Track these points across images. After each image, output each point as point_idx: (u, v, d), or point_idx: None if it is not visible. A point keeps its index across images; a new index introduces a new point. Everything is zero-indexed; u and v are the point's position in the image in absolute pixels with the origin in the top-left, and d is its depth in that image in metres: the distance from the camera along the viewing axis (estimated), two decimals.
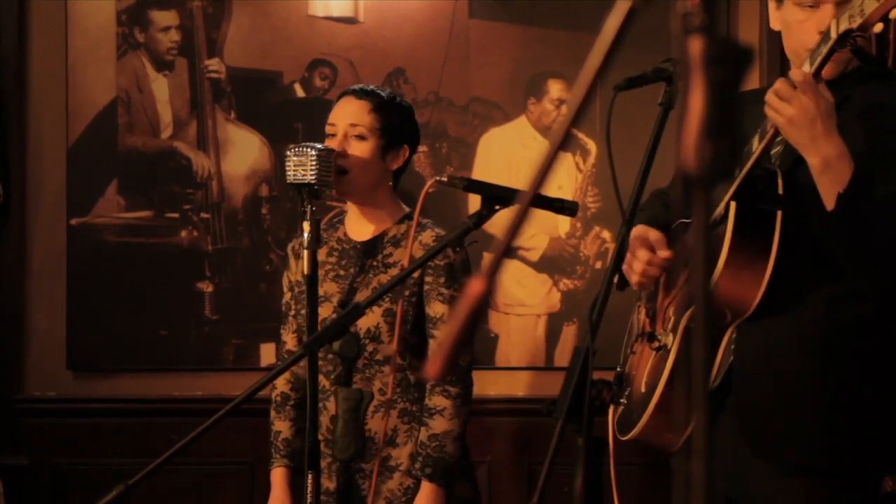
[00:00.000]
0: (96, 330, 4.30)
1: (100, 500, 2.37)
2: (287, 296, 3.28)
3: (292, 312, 3.25)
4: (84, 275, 4.31)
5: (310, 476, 2.84)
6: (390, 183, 3.18)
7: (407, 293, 3.08)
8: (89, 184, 4.33)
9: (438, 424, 3.06)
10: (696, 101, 1.08)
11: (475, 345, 3.16)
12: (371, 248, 3.16)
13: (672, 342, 2.49)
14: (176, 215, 4.34)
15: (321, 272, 3.16)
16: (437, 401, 3.07)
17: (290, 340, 3.26)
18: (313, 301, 2.88)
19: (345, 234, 3.20)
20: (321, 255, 3.19)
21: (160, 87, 4.34)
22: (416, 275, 3.07)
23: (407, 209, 3.21)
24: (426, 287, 3.10)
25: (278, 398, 3.25)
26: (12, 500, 4.14)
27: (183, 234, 4.34)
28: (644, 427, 2.50)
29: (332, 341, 2.77)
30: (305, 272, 2.87)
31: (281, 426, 3.23)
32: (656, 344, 2.55)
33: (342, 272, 3.16)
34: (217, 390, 4.24)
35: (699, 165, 1.08)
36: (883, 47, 4.13)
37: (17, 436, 4.29)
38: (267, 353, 4.32)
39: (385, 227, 3.17)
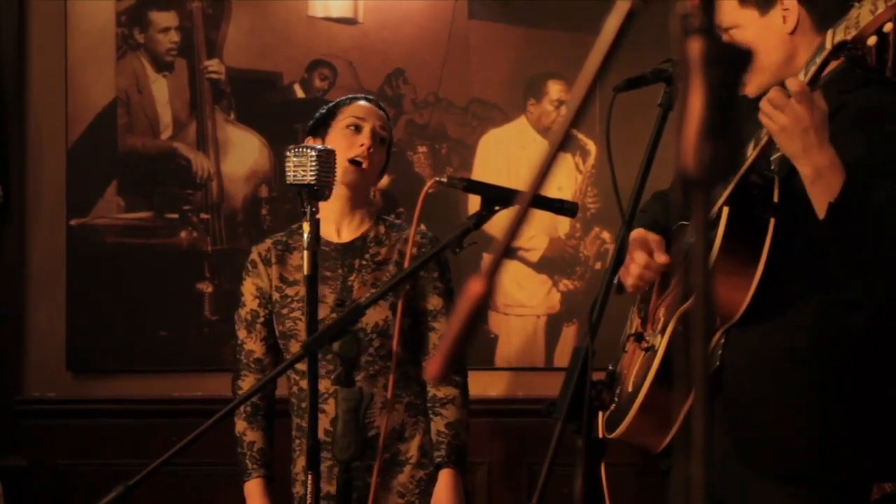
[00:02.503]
0: (96, 331, 4.30)
1: (99, 501, 2.37)
2: (253, 304, 3.25)
3: (261, 320, 3.24)
4: (84, 276, 4.31)
5: (310, 477, 2.83)
6: (372, 195, 3.30)
7: (405, 287, 3.12)
8: (89, 185, 4.33)
9: (451, 413, 3.15)
10: (696, 102, 1.08)
11: (473, 342, 3.20)
12: (353, 248, 3.20)
13: (659, 343, 2.49)
14: (175, 216, 4.34)
15: (302, 275, 3.19)
16: (447, 391, 3.16)
17: (257, 349, 3.23)
18: (313, 301, 2.88)
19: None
20: (296, 260, 3.22)
21: (160, 87, 4.35)
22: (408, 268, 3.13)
23: (376, 212, 3.30)
24: (421, 281, 3.14)
25: (248, 409, 3.22)
26: (12, 502, 4.13)
27: (182, 234, 4.34)
28: (628, 427, 2.50)
29: (333, 342, 2.77)
30: (306, 272, 2.87)
31: (254, 437, 3.21)
32: (645, 344, 2.55)
33: (328, 273, 3.19)
34: (217, 391, 4.23)
35: (698, 166, 1.08)
36: (883, 49, 4.13)
37: (17, 437, 4.29)
38: None
39: (364, 229, 3.24)
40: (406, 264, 3.07)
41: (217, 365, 4.31)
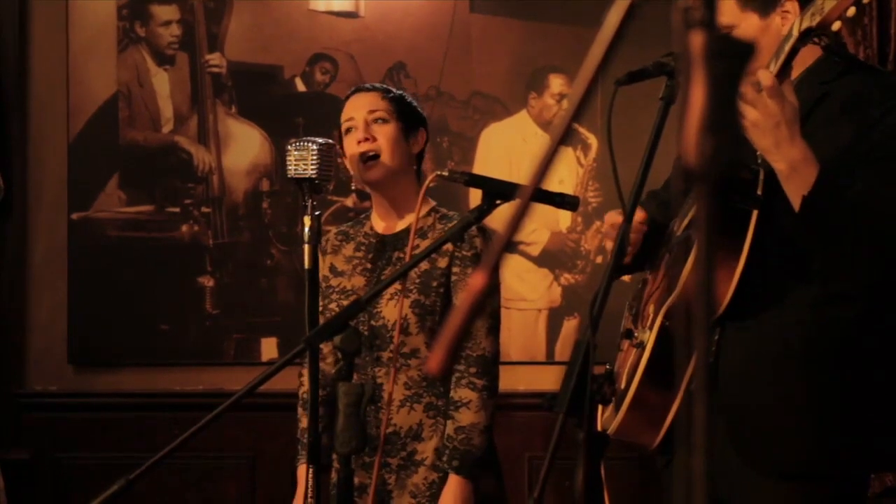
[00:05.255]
0: (97, 324, 4.31)
1: (101, 495, 2.37)
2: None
3: (319, 309, 3.24)
4: (85, 269, 4.32)
5: (311, 470, 2.84)
6: (414, 168, 3.18)
7: (435, 284, 3.07)
8: (90, 178, 4.33)
9: (465, 417, 3.04)
10: (698, 96, 1.08)
11: (500, 338, 3.15)
12: (396, 240, 3.16)
13: (648, 339, 2.48)
14: (177, 210, 4.34)
15: (349, 267, 3.17)
16: (464, 393, 3.05)
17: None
18: (314, 295, 2.88)
19: (371, 229, 3.21)
20: (349, 250, 3.20)
21: (161, 81, 4.35)
22: (443, 265, 3.07)
23: (433, 202, 3.21)
24: (454, 278, 3.09)
25: (305, 395, 3.23)
26: (14, 495, 4.14)
27: (184, 228, 4.34)
28: (621, 424, 2.49)
29: (333, 336, 2.77)
30: (306, 266, 2.87)
31: (307, 423, 3.22)
32: (635, 341, 2.55)
33: (369, 265, 3.16)
34: (218, 384, 4.24)
35: (700, 160, 1.08)
36: (885, 43, 4.13)
37: (19, 430, 4.30)
38: (267, 348, 4.32)
39: (412, 220, 3.16)
40: (407, 258, 3.06)
41: (218, 359, 4.32)
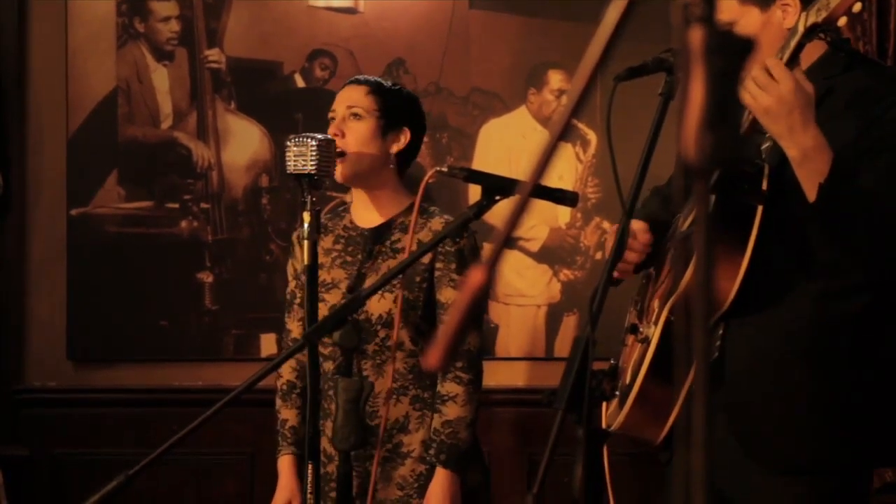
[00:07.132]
0: (96, 320, 4.30)
1: (100, 491, 2.37)
2: (292, 284, 3.26)
3: (297, 301, 3.24)
4: (84, 265, 4.32)
5: (310, 467, 2.84)
6: (392, 167, 3.17)
7: (418, 279, 3.08)
8: (89, 174, 4.33)
9: (451, 411, 3.06)
10: (697, 91, 1.08)
11: (484, 332, 3.16)
12: (378, 234, 3.16)
13: (653, 334, 2.49)
14: (176, 206, 4.34)
15: (328, 259, 3.17)
16: (450, 387, 3.07)
17: (294, 329, 3.25)
18: (313, 292, 2.88)
19: (351, 222, 3.21)
20: (327, 242, 3.20)
21: (160, 77, 4.34)
22: (426, 261, 3.07)
23: (414, 196, 3.20)
24: (437, 273, 3.10)
25: (284, 386, 3.24)
26: (13, 492, 4.14)
27: (183, 224, 4.34)
28: (626, 419, 2.49)
29: (332, 332, 2.77)
30: (305, 262, 2.87)
31: (287, 414, 3.23)
32: (640, 336, 2.55)
33: (349, 258, 3.16)
34: (217, 380, 4.24)
35: (700, 156, 1.08)
36: (884, 38, 4.13)
37: (18, 427, 4.29)
38: (267, 344, 4.32)
39: (393, 215, 3.16)
40: (406, 253, 3.06)
41: (217, 354, 4.32)
